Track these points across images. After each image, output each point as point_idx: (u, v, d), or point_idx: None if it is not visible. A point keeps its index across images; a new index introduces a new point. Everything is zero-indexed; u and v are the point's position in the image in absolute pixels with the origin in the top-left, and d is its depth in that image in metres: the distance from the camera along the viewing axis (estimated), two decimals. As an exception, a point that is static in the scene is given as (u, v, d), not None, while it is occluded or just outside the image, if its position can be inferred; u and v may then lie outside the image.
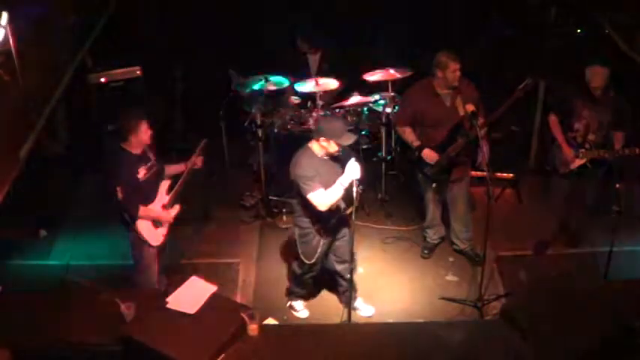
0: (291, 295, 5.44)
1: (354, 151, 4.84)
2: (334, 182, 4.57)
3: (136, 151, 4.87)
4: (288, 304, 5.44)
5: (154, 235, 4.99)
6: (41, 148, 6.41)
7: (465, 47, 7.39)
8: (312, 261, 4.94)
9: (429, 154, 5.42)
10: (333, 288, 5.44)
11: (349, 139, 4.57)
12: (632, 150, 5.25)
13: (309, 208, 4.68)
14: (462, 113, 5.27)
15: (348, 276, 4.88)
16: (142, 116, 4.85)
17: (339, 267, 5.08)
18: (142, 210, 4.85)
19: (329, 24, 7.39)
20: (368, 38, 7.83)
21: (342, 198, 4.71)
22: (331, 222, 4.85)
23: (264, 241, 6.26)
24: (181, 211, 5.16)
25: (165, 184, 5.07)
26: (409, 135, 5.53)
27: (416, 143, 5.49)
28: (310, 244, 4.91)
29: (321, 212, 4.65)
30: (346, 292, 4.99)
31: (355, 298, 5.32)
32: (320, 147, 4.62)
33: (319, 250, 4.92)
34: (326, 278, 5.36)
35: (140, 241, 4.96)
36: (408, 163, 5.92)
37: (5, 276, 5.62)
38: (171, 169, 5.21)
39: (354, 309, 5.25)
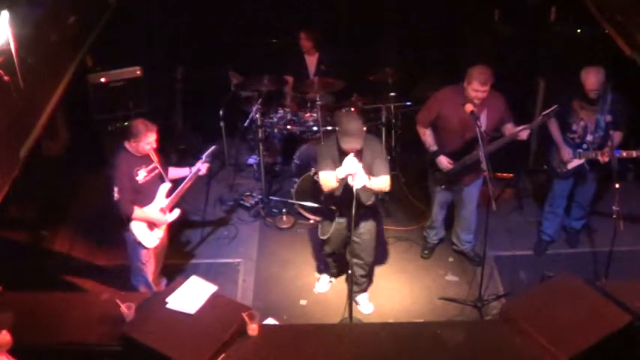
0: (319, 266, 5.82)
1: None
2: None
3: (137, 153, 4.86)
4: (316, 275, 5.81)
5: (148, 237, 4.98)
6: (41, 148, 6.41)
7: (464, 47, 7.42)
8: (324, 238, 5.19)
9: (443, 162, 5.33)
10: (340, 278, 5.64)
11: (347, 143, 4.51)
12: (629, 153, 5.24)
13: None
14: (483, 127, 5.04)
15: (362, 272, 5.18)
16: (152, 128, 4.79)
17: (351, 259, 5.11)
18: (138, 211, 4.84)
19: (329, 25, 7.40)
20: (368, 39, 7.84)
21: (357, 198, 4.60)
22: (346, 210, 4.74)
23: (264, 241, 6.26)
24: (182, 215, 5.18)
25: (165, 187, 5.04)
26: (428, 137, 5.39)
27: (433, 148, 5.36)
28: (324, 221, 5.19)
29: (332, 194, 4.83)
30: (351, 287, 4.99)
31: (360, 293, 5.42)
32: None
33: (331, 231, 5.08)
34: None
35: (135, 242, 4.96)
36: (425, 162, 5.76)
37: (5, 276, 5.62)
38: (175, 172, 5.19)
39: (356, 302, 5.37)
